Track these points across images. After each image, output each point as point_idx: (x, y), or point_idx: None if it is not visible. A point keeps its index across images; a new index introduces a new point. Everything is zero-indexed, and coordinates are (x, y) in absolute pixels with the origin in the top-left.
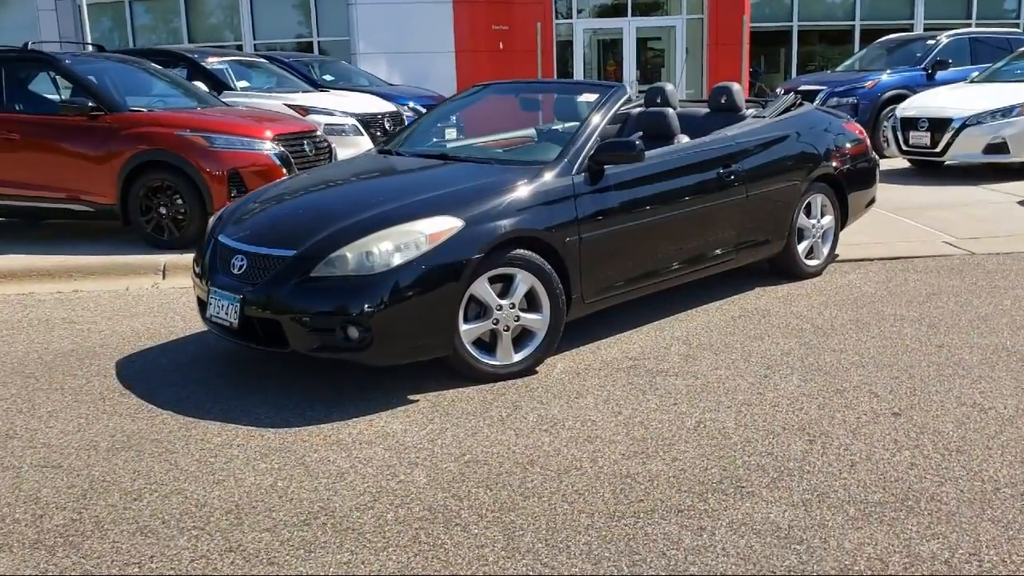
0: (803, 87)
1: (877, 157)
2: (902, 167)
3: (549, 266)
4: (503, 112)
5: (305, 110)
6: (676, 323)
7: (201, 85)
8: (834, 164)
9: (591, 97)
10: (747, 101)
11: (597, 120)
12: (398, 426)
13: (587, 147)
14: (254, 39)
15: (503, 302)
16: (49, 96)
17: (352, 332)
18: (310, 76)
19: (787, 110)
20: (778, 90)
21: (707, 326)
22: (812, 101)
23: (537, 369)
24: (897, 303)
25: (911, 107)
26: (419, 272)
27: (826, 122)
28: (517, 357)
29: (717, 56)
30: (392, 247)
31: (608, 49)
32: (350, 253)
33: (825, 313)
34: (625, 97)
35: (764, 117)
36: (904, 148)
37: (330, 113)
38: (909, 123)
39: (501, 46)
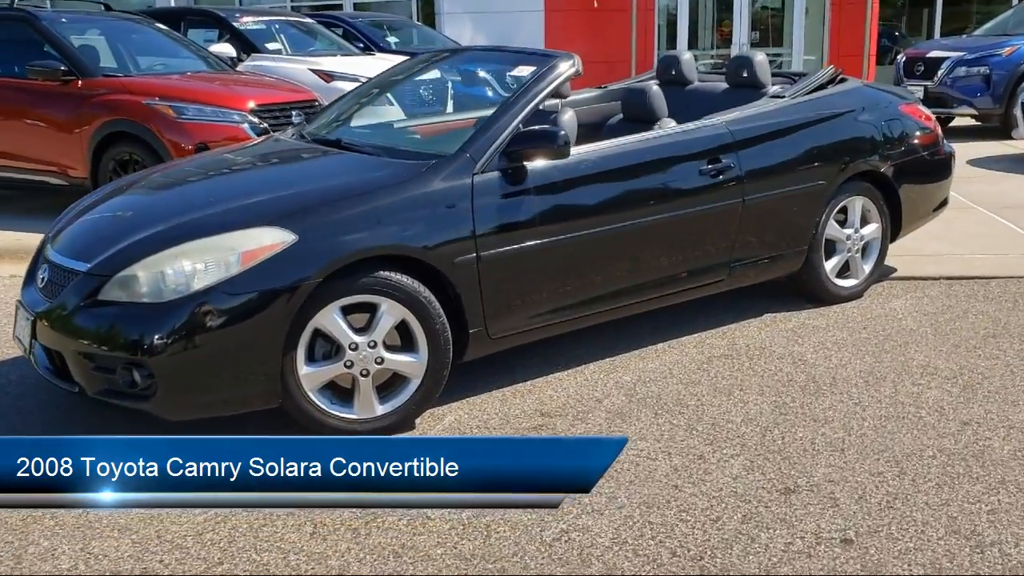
0: (932, 53)
1: (950, 149)
2: None
3: (428, 293)
4: (465, 86)
5: (329, 76)
6: (632, 362)
7: (228, 48)
8: (881, 158)
9: (524, 71)
10: (781, 75)
11: (518, 103)
12: None
13: (499, 139)
14: None
15: (359, 339)
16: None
17: (136, 375)
18: (372, 38)
19: (821, 87)
20: (898, 57)
21: (669, 370)
22: (937, 70)
23: (416, 423)
24: (936, 348)
25: None
26: (226, 300)
27: (873, 103)
28: (382, 409)
29: (841, 17)
30: (192, 267)
31: (720, 7)
32: (142, 272)
33: (833, 358)
34: (566, 74)
35: (783, 96)
36: None
37: (355, 79)
38: None
39: (596, 4)
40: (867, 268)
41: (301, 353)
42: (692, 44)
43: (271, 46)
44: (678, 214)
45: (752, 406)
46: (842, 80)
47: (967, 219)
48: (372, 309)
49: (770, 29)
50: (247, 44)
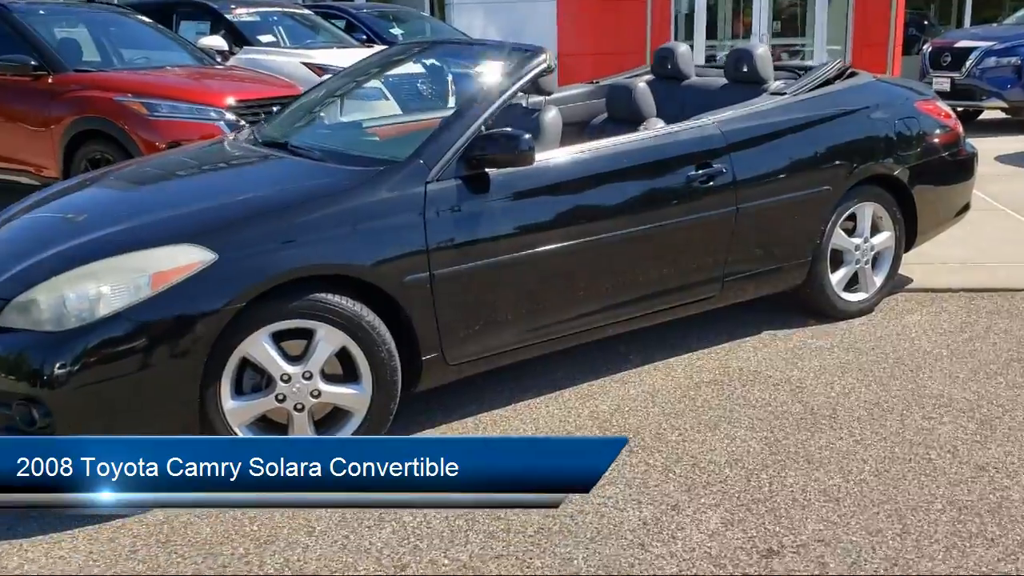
0: (960, 43)
1: (972, 148)
2: None
3: (373, 317)
4: (434, 82)
5: (322, 69)
6: (612, 388)
7: (219, 40)
8: (894, 160)
9: (492, 67)
10: (786, 69)
11: (480, 103)
12: None
13: (456, 144)
14: None
15: (292, 369)
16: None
17: (34, 412)
18: (375, 30)
19: (827, 83)
20: (924, 47)
21: (651, 397)
22: (965, 61)
23: None
24: (952, 374)
25: None
26: (135, 328)
27: (885, 100)
28: None
29: (865, 6)
30: (96, 290)
31: None
32: (43, 296)
33: (836, 385)
34: (534, 71)
35: (784, 94)
36: None
37: None
38: None
39: None
40: (878, 281)
41: (226, 385)
42: (711, 35)
43: (264, 38)
44: (662, 225)
45: (739, 443)
46: (852, 74)
47: (994, 222)
48: (309, 336)
49: (793, 18)
50: (241, 37)
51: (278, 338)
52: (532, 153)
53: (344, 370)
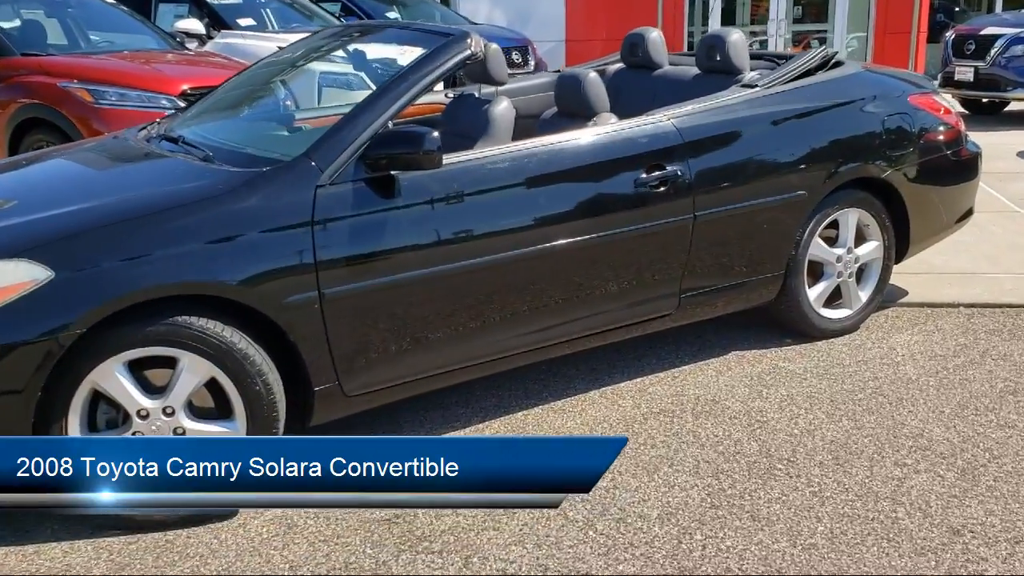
0: (986, 30)
1: (975, 148)
2: None
3: (247, 343)
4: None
5: None
6: (548, 419)
7: (195, 24)
8: (883, 161)
9: (406, 54)
10: (767, 57)
11: (385, 97)
12: None
13: (355, 142)
14: None
15: (150, 404)
16: None
17: None
18: (371, 14)
19: (807, 73)
20: (946, 35)
21: (589, 431)
22: (991, 48)
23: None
24: (936, 409)
25: None
26: None
27: (874, 93)
28: None
29: None
30: None
31: None
32: None
33: (801, 420)
34: (456, 58)
35: (755, 86)
36: None
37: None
38: None
39: None
40: (863, 296)
41: (75, 421)
42: (728, 20)
43: (243, 22)
44: (605, 235)
45: (678, 493)
46: (837, 64)
47: (1006, 225)
48: (174, 365)
49: (813, 4)
50: (217, 19)
51: (140, 366)
52: (438, 154)
53: (217, 404)
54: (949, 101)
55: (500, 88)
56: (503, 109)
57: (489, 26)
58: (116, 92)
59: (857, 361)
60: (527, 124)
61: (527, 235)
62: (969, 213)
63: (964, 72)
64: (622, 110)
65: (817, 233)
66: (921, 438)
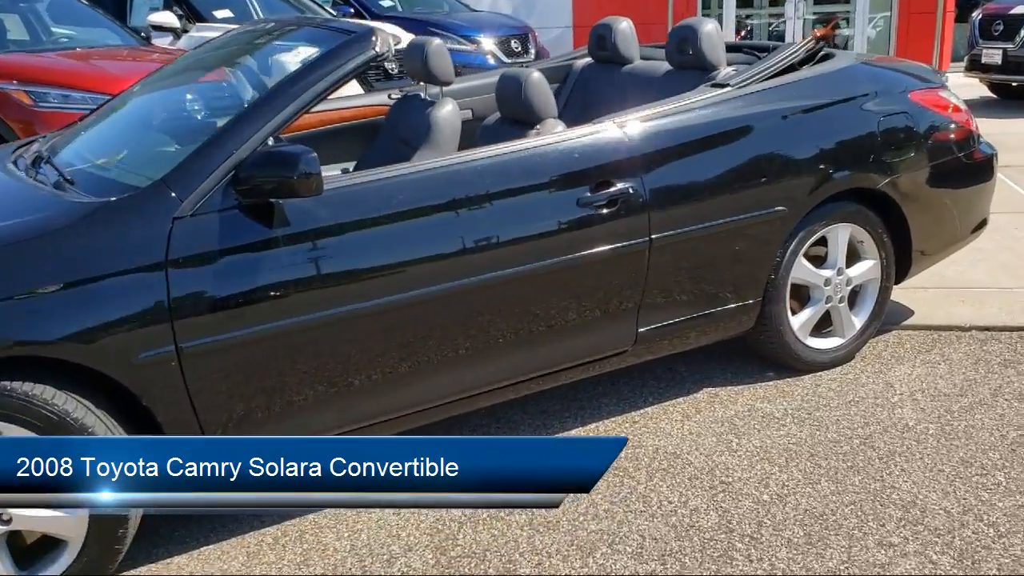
0: (1016, 9)
1: (989, 149)
2: None
3: (85, 412)
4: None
5: None
6: None
7: (168, 17)
8: (878, 169)
9: (297, 57)
10: (749, 49)
11: (262, 111)
12: None
13: (223, 165)
14: None
15: None
16: None
17: None
18: (365, 4)
19: (791, 68)
20: (973, 15)
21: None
22: (1021, 29)
23: None
24: (935, 467)
25: None
26: None
27: (868, 90)
28: None
29: None
30: None
31: None
32: None
33: (775, 480)
34: (357, 61)
35: (728, 85)
36: None
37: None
38: None
39: None
40: (857, 322)
41: None
42: (745, 3)
43: (220, 13)
44: (542, 265)
45: None
46: (826, 57)
47: None
48: None
49: None
50: (191, 10)
51: None
52: (315, 179)
53: None
54: (958, 97)
55: (447, 89)
56: (447, 113)
57: (489, 13)
58: (59, 93)
59: (847, 402)
60: (474, 130)
61: (444, 268)
62: (982, 224)
63: (991, 55)
64: (589, 110)
65: (801, 253)
66: (913, 507)
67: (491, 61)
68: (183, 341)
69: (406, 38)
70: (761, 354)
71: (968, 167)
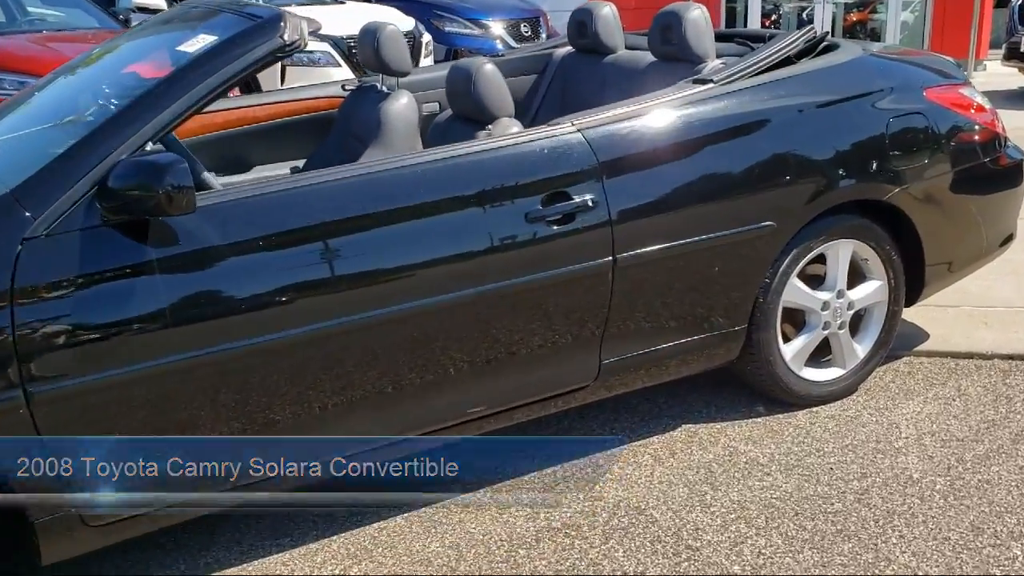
0: None
1: (1018, 154)
2: None
3: None
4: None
5: None
6: (400, 543)
7: None
8: (887, 178)
9: (190, 49)
10: (744, 38)
11: (143, 111)
12: None
13: (86, 176)
14: None
15: None
16: None
17: None
18: None
19: (785, 62)
20: (1013, 3)
21: (451, 567)
22: None
23: None
24: (944, 530)
25: None
26: None
27: (875, 87)
28: None
29: None
30: None
31: None
32: None
33: (748, 548)
34: (258, 52)
35: (711, 81)
36: None
37: None
38: None
39: None
40: (860, 351)
41: None
42: None
43: None
44: (481, 291)
45: None
46: (829, 48)
47: None
48: None
49: None
50: None
51: None
52: (186, 194)
53: None
54: (982, 95)
55: (413, 78)
56: (401, 107)
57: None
58: (13, 80)
59: (843, 446)
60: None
61: (354, 297)
62: (1010, 239)
63: None
64: (568, 106)
65: (795, 273)
66: None
67: (499, 46)
68: (33, 385)
69: (406, 23)
70: (750, 385)
71: (993, 174)
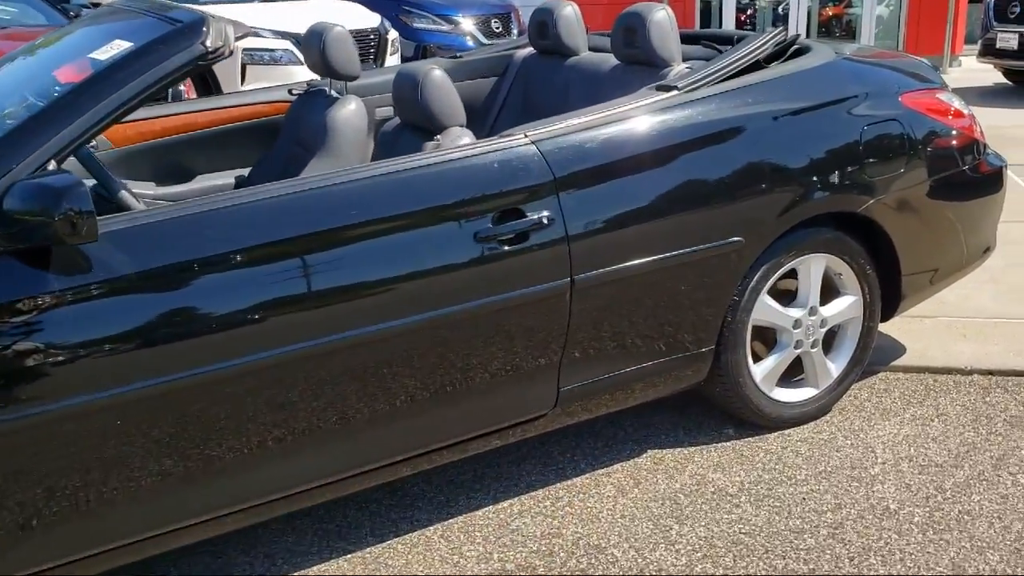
0: None
1: (997, 161)
2: None
3: None
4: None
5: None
6: None
7: None
8: (861, 189)
9: (118, 48)
10: (712, 40)
11: (47, 126)
12: None
13: None
14: None
15: None
16: None
17: None
18: None
19: (754, 67)
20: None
21: None
22: None
23: None
24: (922, 568)
25: None
26: None
27: (848, 93)
28: None
29: None
30: None
31: None
32: None
33: None
34: (177, 60)
35: (675, 88)
36: None
37: (256, 33)
38: None
39: None
40: (835, 369)
41: None
42: None
43: None
44: (425, 318)
45: None
46: (800, 52)
47: None
48: None
49: None
50: None
51: None
52: (84, 221)
53: None
54: (961, 100)
55: (354, 84)
56: (348, 114)
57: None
58: None
59: (817, 473)
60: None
61: (285, 326)
62: (988, 250)
63: (1007, 39)
64: (529, 112)
65: (764, 290)
66: None
67: (470, 43)
68: None
69: (371, 19)
70: (719, 407)
71: (972, 182)
